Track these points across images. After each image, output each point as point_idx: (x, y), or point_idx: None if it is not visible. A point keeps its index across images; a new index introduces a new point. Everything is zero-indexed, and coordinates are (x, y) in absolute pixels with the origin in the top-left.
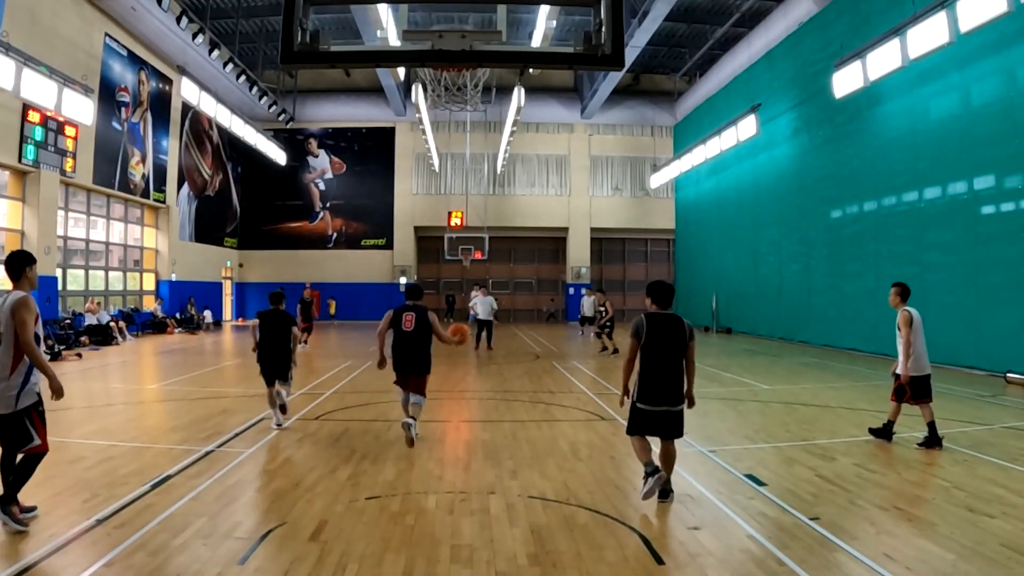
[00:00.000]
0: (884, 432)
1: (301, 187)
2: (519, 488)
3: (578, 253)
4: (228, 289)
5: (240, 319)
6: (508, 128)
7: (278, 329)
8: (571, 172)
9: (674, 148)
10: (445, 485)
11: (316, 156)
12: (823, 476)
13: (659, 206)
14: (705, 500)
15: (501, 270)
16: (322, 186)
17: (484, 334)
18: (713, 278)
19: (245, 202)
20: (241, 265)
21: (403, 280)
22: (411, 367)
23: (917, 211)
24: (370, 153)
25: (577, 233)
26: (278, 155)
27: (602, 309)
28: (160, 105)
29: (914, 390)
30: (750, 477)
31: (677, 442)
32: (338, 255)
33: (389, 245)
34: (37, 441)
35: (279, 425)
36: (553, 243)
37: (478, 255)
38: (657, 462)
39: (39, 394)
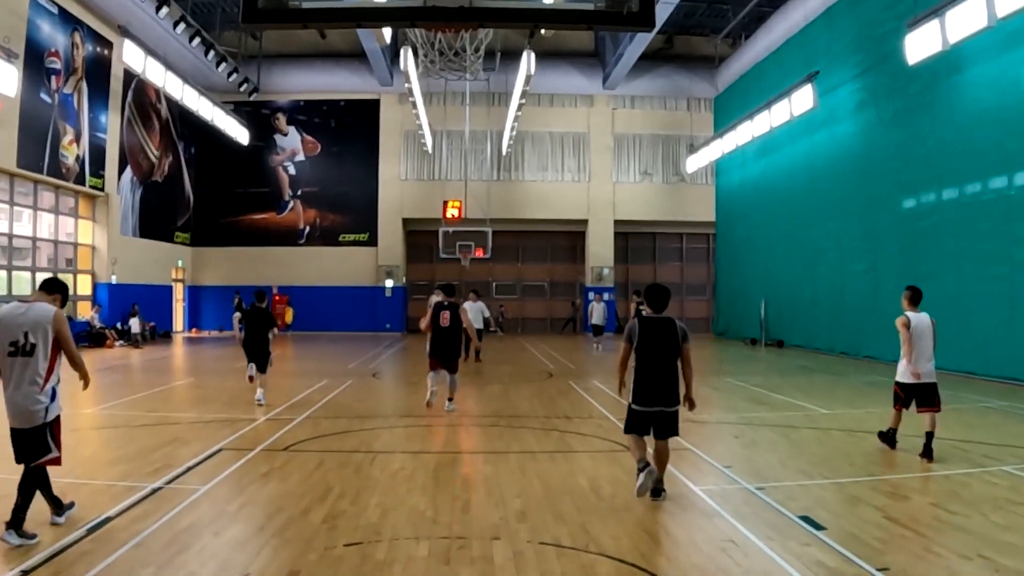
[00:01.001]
0: (887, 438)
1: (267, 172)
2: (528, 532)
3: (599, 250)
4: (179, 294)
5: (194, 330)
6: (516, 101)
7: (261, 325)
8: (591, 153)
9: (714, 125)
10: (439, 529)
11: (285, 134)
12: (893, 518)
13: (696, 194)
14: (751, 547)
15: (507, 271)
16: (292, 170)
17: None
18: (761, 280)
19: (200, 189)
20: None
21: (389, 283)
22: (447, 356)
23: (1006, 199)
24: (350, 131)
25: (598, 227)
26: (239, 133)
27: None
28: (98, 73)
29: (914, 397)
30: (805, 519)
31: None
32: (312, 253)
33: (373, 241)
34: (55, 452)
35: (259, 402)
36: (569, 239)
37: (479, 253)
38: (651, 460)
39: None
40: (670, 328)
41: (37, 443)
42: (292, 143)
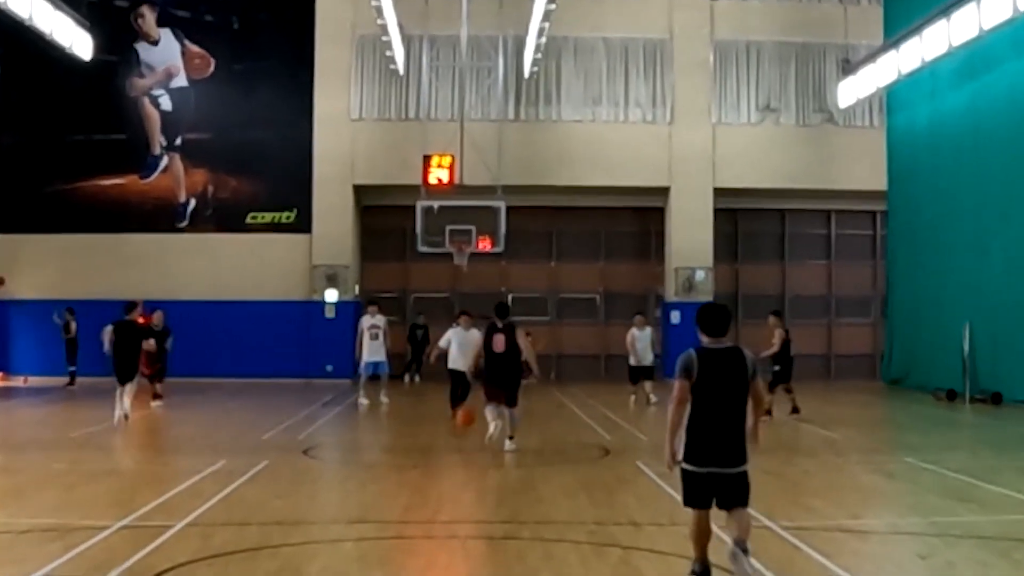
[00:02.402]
0: None
1: (124, 107)
2: None
3: (689, 241)
4: None
5: (1, 374)
6: None
7: (131, 340)
8: (675, 75)
9: (884, 27)
10: None
11: (155, 42)
12: None
13: (855, 145)
14: None
15: (532, 275)
16: (167, 103)
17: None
18: (964, 293)
19: (6, 137)
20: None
21: (331, 296)
22: (507, 386)
23: None
24: (264, 36)
25: (688, 200)
26: (77, 40)
27: (775, 344)
28: None
29: None
30: None
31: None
32: (200, 245)
33: (303, 225)
34: None
35: (126, 417)
36: (638, 220)
37: (484, 244)
38: (730, 538)
39: None
40: (738, 359)
41: None
42: (166, 57)
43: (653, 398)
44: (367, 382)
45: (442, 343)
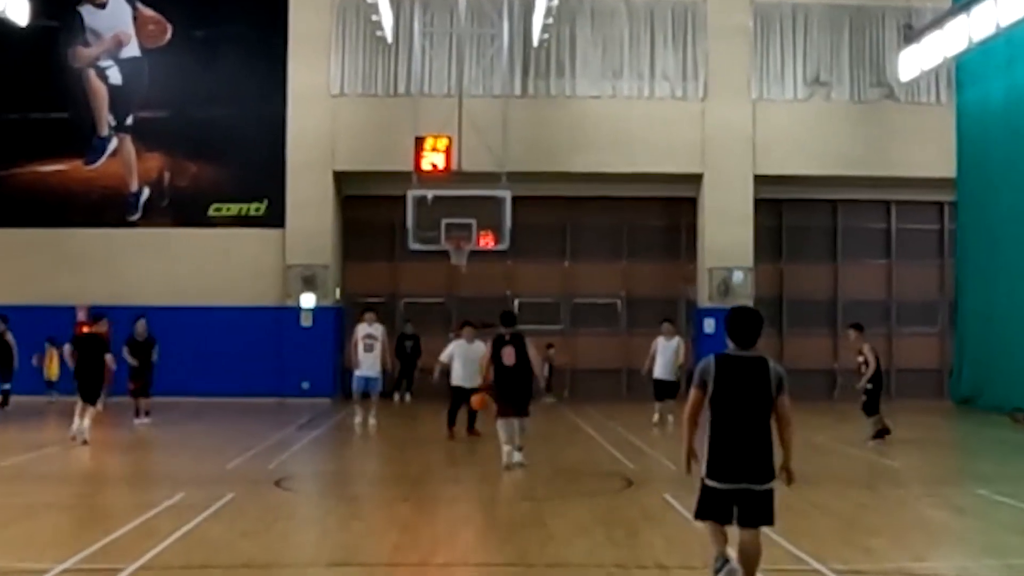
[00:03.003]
0: None
1: (66, 80)
2: None
3: (725, 235)
4: None
5: None
6: None
7: (93, 353)
8: (708, 43)
9: None
10: None
11: (101, 5)
12: None
13: (919, 125)
14: None
15: (540, 276)
16: (116, 76)
17: (467, 411)
18: None
19: None
20: None
21: (308, 300)
22: (518, 402)
23: None
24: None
25: (724, 189)
26: (11, 2)
27: (861, 361)
28: None
29: None
30: None
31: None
32: (154, 241)
33: (276, 218)
34: None
35: (83, 439)
36: (666, 212)
37: (486, 241)
38: (734, 556)
39: None
40: (760, 370)
41: None
42: (115, 23)
43: (670, 419)
44: (360, 400)
45: (444, 357)
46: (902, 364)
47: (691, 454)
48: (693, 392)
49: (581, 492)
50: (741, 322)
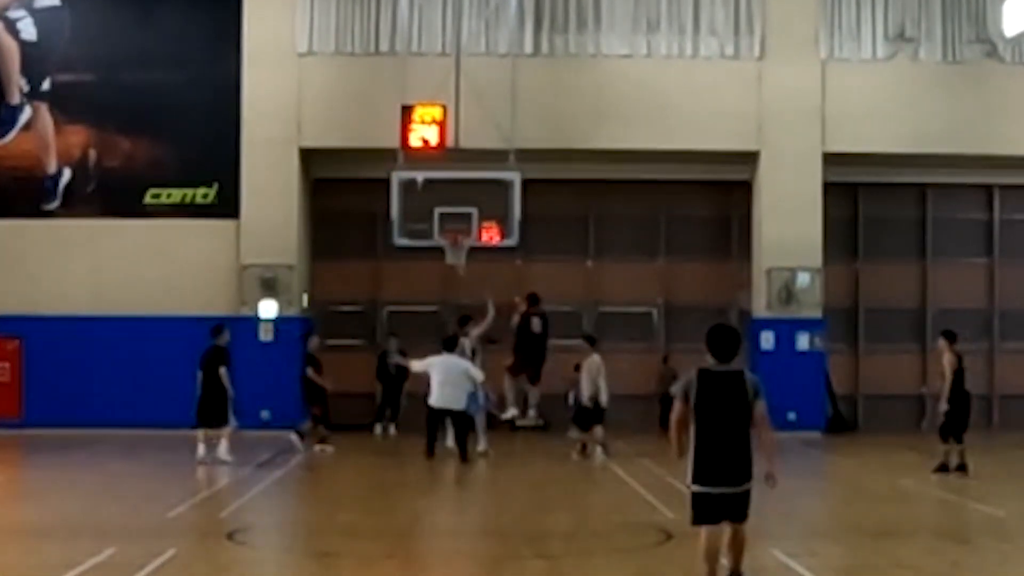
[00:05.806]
0: None
1: None
2: None
3: (786, 228)
4: None
5: None
6: None
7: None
8: None
9: None
10: None
11: None
12: None
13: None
14: None
15: (558, 278)
16: (30, 30)
17: (454, 433)
18: None
19: None
20: None
21: (268, 309)
22: (535, 363)
23: None
24: None
25: (784, 170)
26: None
27: (946, 374)
28: None
29: None
30: None
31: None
32: (76, 235)
33: (228, 207)
34: None
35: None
36: (714, 200)
37: (490, 234)
38: (727, 564)
39: None
40: (737, 383)
41: None
42: None
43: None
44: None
45: (420, 366)
46: (1007, 389)
47: (680, 445)
48: (677, 404)
49: (609, 547)
50: (720, 339)
